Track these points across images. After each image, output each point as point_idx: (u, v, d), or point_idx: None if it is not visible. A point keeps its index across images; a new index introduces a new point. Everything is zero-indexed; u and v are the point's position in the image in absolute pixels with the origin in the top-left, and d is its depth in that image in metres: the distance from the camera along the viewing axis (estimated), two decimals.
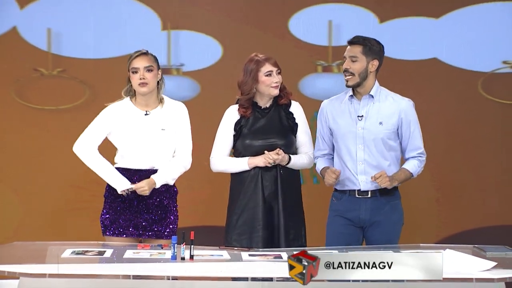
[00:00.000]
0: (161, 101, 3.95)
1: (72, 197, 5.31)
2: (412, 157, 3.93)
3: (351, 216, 3.91)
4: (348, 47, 3.92)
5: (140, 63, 3.87)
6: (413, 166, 3.91)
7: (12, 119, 5.33)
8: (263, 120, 3.98)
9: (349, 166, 3.90)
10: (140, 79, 3.85)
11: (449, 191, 5.38)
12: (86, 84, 5.32)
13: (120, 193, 3.86)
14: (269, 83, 3.95)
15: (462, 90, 5.40)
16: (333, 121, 3.97)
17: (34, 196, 5.32)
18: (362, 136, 3.88)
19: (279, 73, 3.96)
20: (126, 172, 3.88)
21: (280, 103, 4.02)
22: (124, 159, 3.90)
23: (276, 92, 3.96)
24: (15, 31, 5.30)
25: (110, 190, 3.92)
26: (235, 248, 3.59)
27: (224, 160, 4.03)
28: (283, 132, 3.99)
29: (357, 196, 3.89)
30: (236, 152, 4.05)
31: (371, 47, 3.88)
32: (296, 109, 4.04)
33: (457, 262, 3.15)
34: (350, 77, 3.88)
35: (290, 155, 3.96)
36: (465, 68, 5.40)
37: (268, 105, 4.03)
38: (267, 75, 3.94)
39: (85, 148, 3.93)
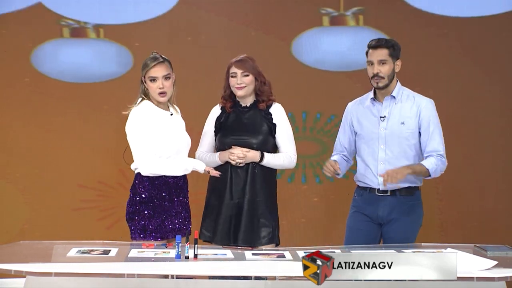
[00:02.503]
0: (172, 102, 3.96)
1: (78, 196, 5.34)
2: (431, 155, 3.93)
3: (370, 213, 3.98)
4: (371, 51, 3.96)
5: (159, 72, 3.83)
6: (430, 163, 3.90)
7: (18, 119, 5.36)
8: (241, 118, 4.07)
9: (371, 166, 3.97)
10: (160, 88, 3.83)
11: (450, 190, 5.41)
12: (91, 86, 5.35)
13: (207, 170, 3.86)
14: (232, 84, 4.05)
15: (463, 90, 5.42)
16: (358, 123, 4.05)
17: (40, 195, 5.35)
18: (384, 136, 3.95)
19: (246, 75, 4.02)
20: (165, 175, 3.83)
21: (259, 107, 4.08)
22: None
23: (239, 93, 4.04)
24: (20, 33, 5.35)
25: (149, 195, 3.80)
26: (239, 247, 3.62)
27: (202, 155, 4.11)
28: (258, 131, 4.04)
29: (377, 194, 3.96)
30: (217, 147, 4.12)
31: (395, 48, 3.95)
32: (275, 110, 4.09)
33: (458, 261, 3.16)
34: (380, 79, 3.93)
35: (264, 153, 4.00)
36: (464, 68, 5.42)
37: (248, 104, 4.10)
38: (231, 76, 4.05)
39: (152, 163, 3.78)
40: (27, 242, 3.67)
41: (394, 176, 3.80)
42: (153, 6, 5.33)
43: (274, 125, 4.06)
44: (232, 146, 3.99)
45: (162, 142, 3.79)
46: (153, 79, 3.84)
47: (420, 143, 3.97)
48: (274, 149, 4.08)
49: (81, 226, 5.25)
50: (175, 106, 3.97)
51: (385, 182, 3.83)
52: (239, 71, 4.03)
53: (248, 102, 4.10)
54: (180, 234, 3.80)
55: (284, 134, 4.07)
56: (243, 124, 4.05)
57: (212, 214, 4.02)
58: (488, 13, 5.31)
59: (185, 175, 3.88)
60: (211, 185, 4.10)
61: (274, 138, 4.06)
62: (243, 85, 4.03)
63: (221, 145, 4.08)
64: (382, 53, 3.94)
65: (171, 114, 3.89)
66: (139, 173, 3.82)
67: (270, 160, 4.02)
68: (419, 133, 3.96)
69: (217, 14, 5.35)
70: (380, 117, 3.98)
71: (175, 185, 3.84)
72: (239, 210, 3.98)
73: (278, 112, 4.09)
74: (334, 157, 4.13)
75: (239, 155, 3.96)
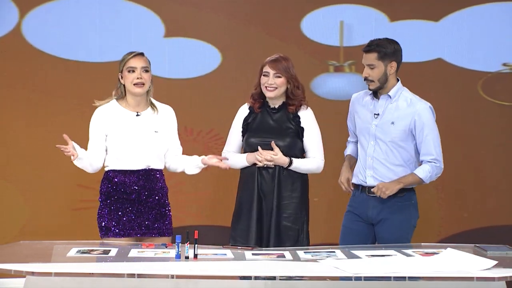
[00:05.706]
0: (151, 103, 3.97)
1: (77, 196, 5.34)
2: (426, 161, 3.95)
3: (360, 213, 4.01)
4: (364, 54, 3.97)
5: (137, 63, 3.88)
6: (424, 171, 3.93)
7: (18, 119, 5.35)
8: (269, 119, 4.04)
9: (361, 159, 4.03)
10: (138, 78, 3.86)
11: (450, 191, 5.41)
12: (92, 85, 5.35)
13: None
14: (263, 83, 4.01)
15: (463, 91, 5.43)
16: (356, 114, 4.10)
17: (40, 195, 5.35)
18: (374, 133, 3.97)
19: (279, 77, 3.98)
20: (123, 174, 3.89)
21: (288, 109, 4.05)
22: (120, 161, 3.90)
23: (269, 94, 4.00)
24: (22, 32, 5.34)
25: (107, 192, 3.92)
26: (239, 247, 3.62)
27: (229, 155, 4.09)
28: (285, 133, 4.01)
29: (367, 194, 3.97)
30: (243, 148, 4.11)
31: (386, 51, 3.92)
32: (304, 113, 4.06)
33: (458, 260, 3.16)
34: (370, 83, 3.95)
35: (292, 158, 3.99)
36: (465, 69, 5.42)
37: (277, 106, 4.07)
38: (264, 75, 4.01)
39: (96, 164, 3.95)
40: (27, 242, 3.67)
41: (383, 191, 3.86)
42: None
43: (302, 128, 4.04)
44: (258, 148, 3.97)
45: (115, 143, 3.89)
46: (132, 70, 3.88)
47: (412, 146, 3.97)
48: (301, 152, 4.06)
49: (81, 226, 5.24)
50: (157, 106, 3.99)
51: (377, 194, 3.89)
52: (271, 71, 3.98)
53: (277, 103, 4.06)
54: (150, 233, 3.87)
55: (312, 138, 4.05)
56: (270, 125, 4.02)
57: (242, 217, 4.00)
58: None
59: (146, 176, 3.91)
60: (240, 187, 4.08)
61: (302, 141, 4.05)
62: (274, 86, 3.99)
63: (247, 146, 4.06)
64: (370, 58, 3.94)
65: (137, 115, 3.91)
66: (104, 173, 3.96)
67: (298, 165, 4.00)
68: (413, 135, 3.95)
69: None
70: (374, 114, 3.99)
71: (134, 184, 3.90)
72: (267, 212, 3.97)
73: (306, 116, 4.06)
74: (349, 147, 4.21)
75: (267, 157, 3.94)
